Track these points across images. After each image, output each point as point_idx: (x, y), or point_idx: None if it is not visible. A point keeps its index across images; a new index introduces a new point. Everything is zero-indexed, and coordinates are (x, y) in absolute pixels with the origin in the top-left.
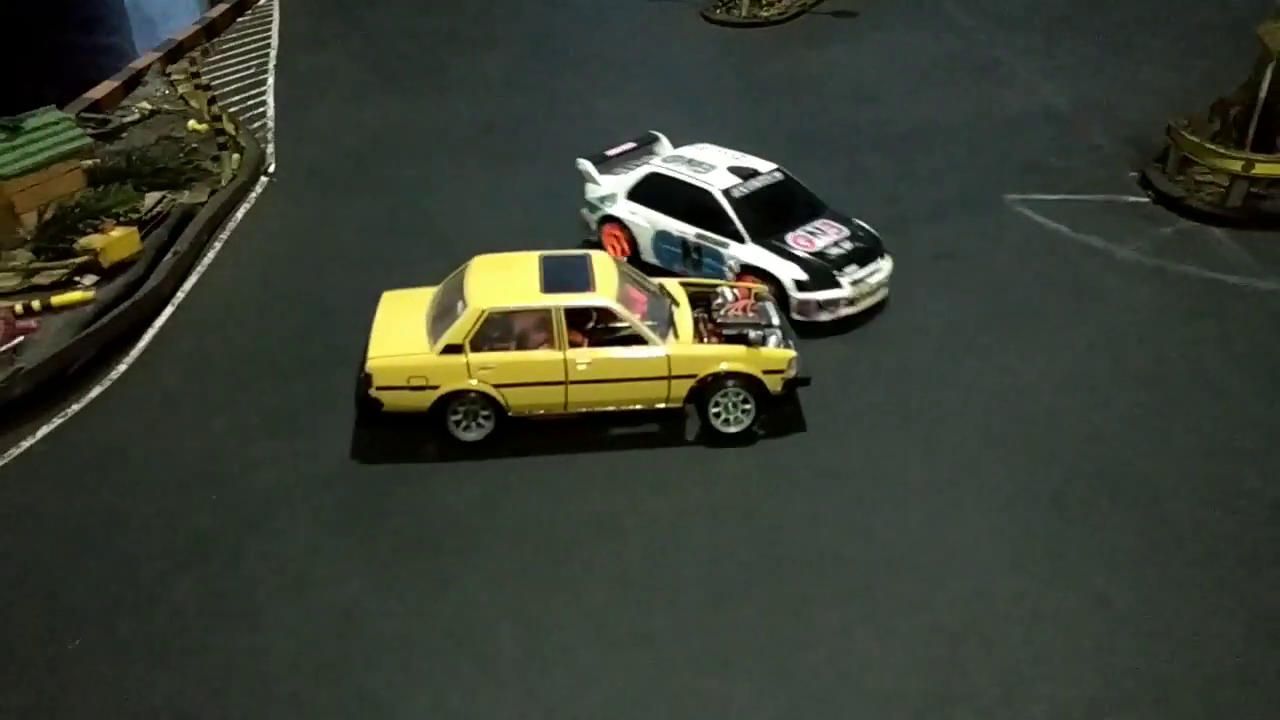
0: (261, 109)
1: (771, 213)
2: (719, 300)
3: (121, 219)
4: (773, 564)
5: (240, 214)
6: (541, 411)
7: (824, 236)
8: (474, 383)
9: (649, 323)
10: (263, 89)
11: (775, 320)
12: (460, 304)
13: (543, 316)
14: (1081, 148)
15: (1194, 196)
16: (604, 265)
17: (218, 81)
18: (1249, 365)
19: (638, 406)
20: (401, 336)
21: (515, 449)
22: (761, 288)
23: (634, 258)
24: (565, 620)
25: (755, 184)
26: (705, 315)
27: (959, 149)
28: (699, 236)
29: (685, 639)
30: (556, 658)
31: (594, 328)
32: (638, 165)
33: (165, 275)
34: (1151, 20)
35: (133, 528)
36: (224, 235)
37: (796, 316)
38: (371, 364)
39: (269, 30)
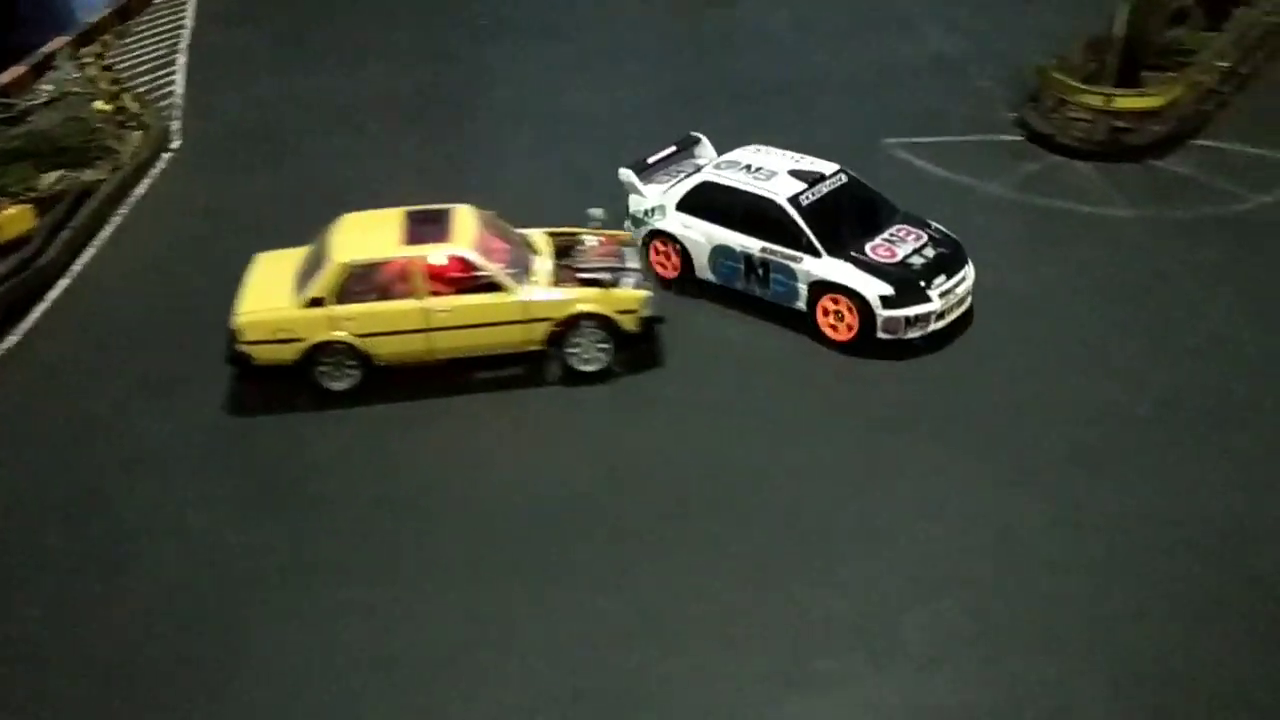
0: (170, 88)
1: (844, 220)
2: (581, 247)
3: (20, 197)
4: (619, 489)
5: (142, 190)
6: (407, 360)
7: (904, 244)
8: (339, 334)
9: (509, 270)
10: (172, 68)
11: (634, 264)
12: (324, 259)
13: (403, 267)
14: (968, 92)
15: (1063, 133)
16: (465, 217)
17: (129, 62)
18: (1105, 287)
19: (500, 351)
20: (269, 293)
21: (387, 396)
22: (627, 235)
23: (686, 275)
24: (423, 554)
25: (823, 189)
26: (569, 262)
27: (849, 98)
28: (765, 251)
29: (539, 567)
30: (411, 590)
31: (458, 277)
32: (680, 171)
33: (59, 250)
34: None
35: (10, 484)
36: (124, 211)
37: (883, 335)
38: (239, 320)
39: (184, 10)
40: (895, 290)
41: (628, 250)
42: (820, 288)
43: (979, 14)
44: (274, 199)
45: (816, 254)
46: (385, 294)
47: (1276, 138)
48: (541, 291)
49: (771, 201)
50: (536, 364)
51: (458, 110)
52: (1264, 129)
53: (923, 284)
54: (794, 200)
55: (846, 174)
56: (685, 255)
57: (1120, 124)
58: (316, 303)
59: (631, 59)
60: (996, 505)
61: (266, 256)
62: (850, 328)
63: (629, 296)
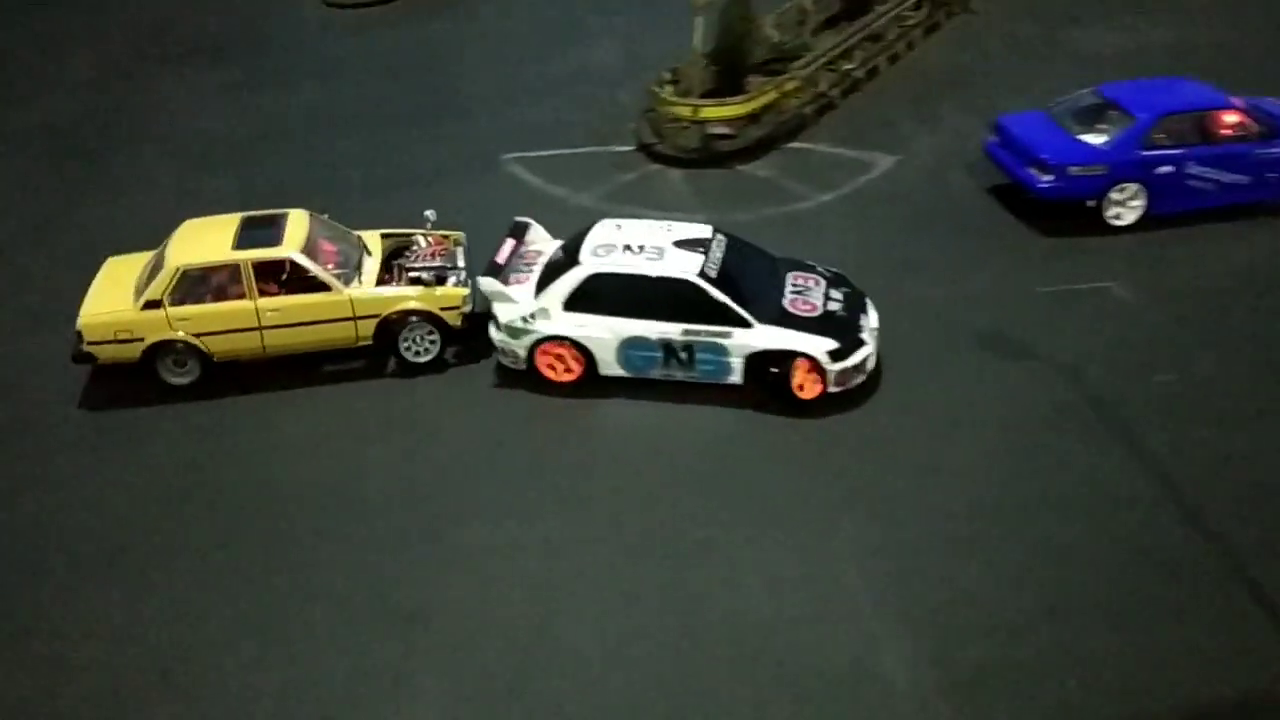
0: None
1: (748, 282)
2: (414, 248)
3: None
4: (445, 473)
5: None
6: (243, 356)
7: (813, 293)
8: (177, 334)
9: (337, 271)
10: None
11: (460, 263)
12: (162, 263)
13: (234, 270)
14: (608, 104)
15: (665, 143)
16: (297, 221)
17: None
18: None
19: (333, 346)
20: (111, 296)
21: (241, 388)
22: (459, 235)
23: (589, 375)
24: (240, 537)
25: (718, 255)
26: (402, 262)
27: (488, 113)
28: (688, 333)
29: (368, 538)
30: (232, 561)
31: (287, 278)
32: (526, 265)
33: None
34: None
35: None
36: None
37: (834, 389)
38: (81, 322)
39: None
40: (840, 342)
41: (459, 250)
42: (760, 358)
43: (652, 28)
44: None
45: (747, 325)
46: (220, 295)
47: (862, 139)
48: (367, 290)
49: (684, 282)
50: (381, 357)
51: (158, 134)
52: (854, 131)
53: (858, 329)
54: (703, 275)
55: (724, 232)
56: (585, 354)
57: (720, 131)
58: (153, 304)
59: (305, 80)
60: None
61: (115, 260)
62: (809, 387)
63: (451, 295)
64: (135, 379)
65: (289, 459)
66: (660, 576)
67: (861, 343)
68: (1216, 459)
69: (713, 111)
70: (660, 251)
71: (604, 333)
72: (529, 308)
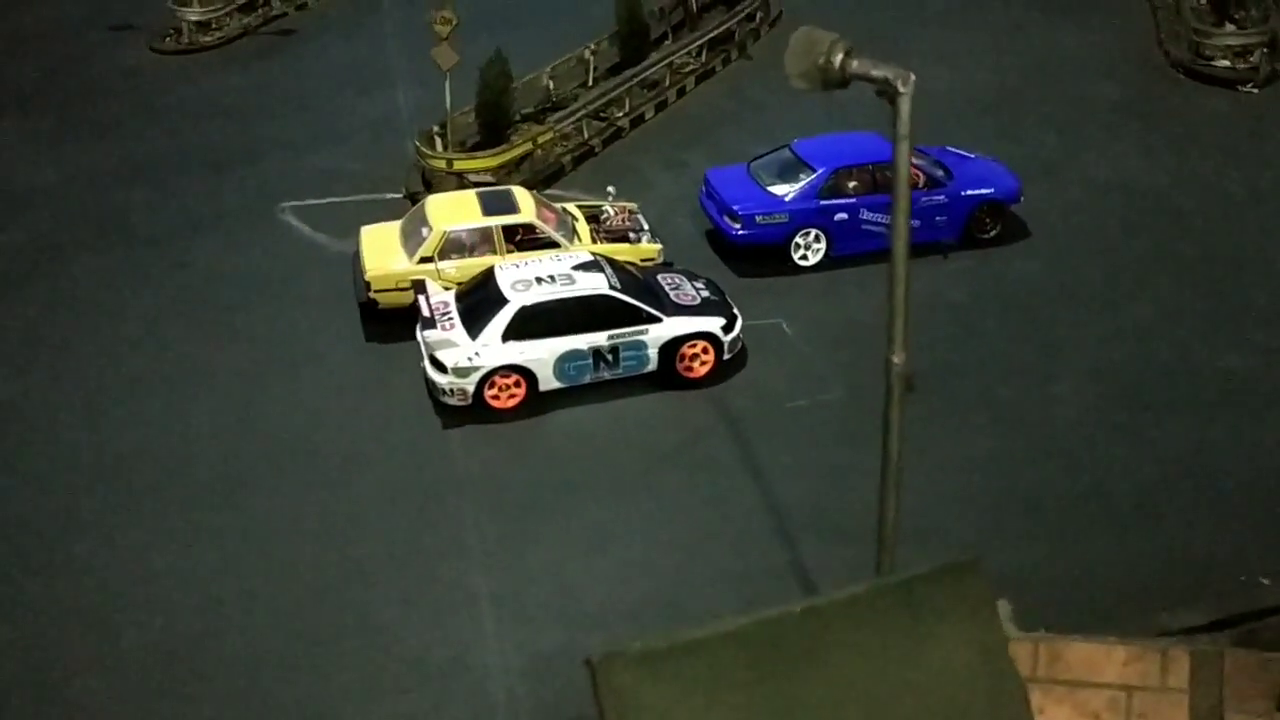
0: None
1: (641, 288)
2: (604, 215)
3: None
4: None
5: None
6: None
7: (685, 286)
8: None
9: (560, 233)
10: None
11: (644, 226)
12: (425, 228)
13: (486, 231)
14: (391, 151)
15: (430, 192)
16: (524, 195)
17: None
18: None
19: None
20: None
21: None
22: (634, 205)
23: (530, 395)
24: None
25: (611, 271)
26: (596, 226)
27: (279, 160)
28: (613, 338)
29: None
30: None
31: (521, 239)
32: (444, 314)
33: None
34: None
35: None
36: None
37: (727, 356)
38: (369, 274)
39: None
40: (725, 319)
41: (639, 216)
42: (671, 345)
43: (459, 76)
44: None
45: (658, 320)
46: (474, 252)
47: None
48: (588, 246)
49: (602, 296)
50: None
51: None
52: (606, 178)
53: (731, 307)
54: (614, 287)
55: (598, 256)
56: (528, 377)
57: (480, 179)
58: (426, 260)
59: (115, 127)
60: None
61: (369, 229)
62: (707, 363)
63: (648, 249)
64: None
65: None
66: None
67: (737, 317)
68: (835, 473)
69: (466, 164)
70: (569, 277)
71: (542, 354)
72: (472, 348)
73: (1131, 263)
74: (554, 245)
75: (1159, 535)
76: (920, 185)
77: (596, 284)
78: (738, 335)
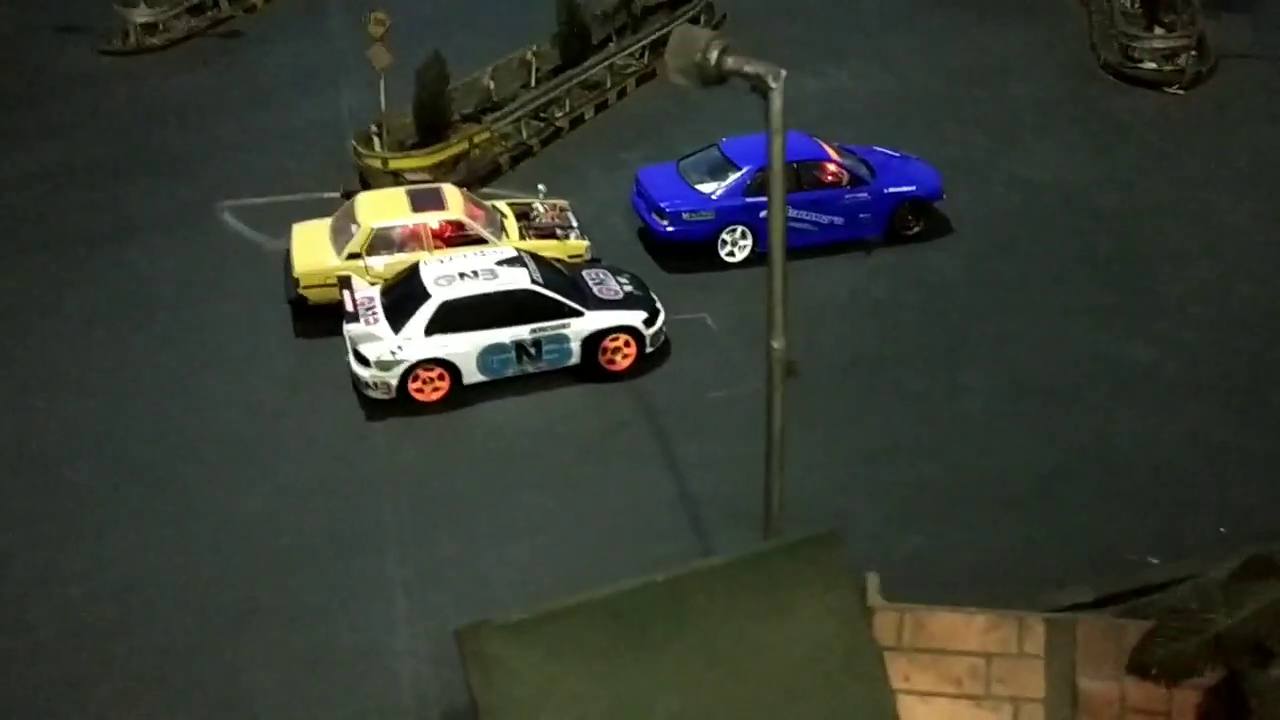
0: None
1: (564, 283)
2: (534, 213)
3: None
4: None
5: None
6: None
7: (609, 282)
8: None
9: (488, 230)
10: None
11: (574, 223)
12: (354, 225)
13: (415, 229)
14: (334, 151)
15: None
16: (453, 193)
17: None
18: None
19: None
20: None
21: None
22: (565, 202)
23: (454, 388)
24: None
25: (534, 266)
26: (525, 223)
27: (222, 160)
28: (535, 331)
29: None
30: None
31: (450, 236)
32: (370, 309)
33: None
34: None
35: None
36: None
37: (650, 350)
38: (298, 270)
39: None
40: (647, 313)
41: (569, 214)
42: (593, 338)
43: (400, 76)
44: None
45: (579, 314)
46: (403, 248)
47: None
48: (515, 243)
49: (524, 290)
50: None
51: None
52: (541, 178)
53: (654, 301)
54: (535, 282)
55: (522, 252)
56: (451, 371)
57: (417, 179)
58: (354, 256)
59: (58, 132)
60: None
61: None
62: (629, 356)
63: (576, 245)
64: None
65: None
66: None
67: (659, 311)
68: (749, 461)
69: (402, 163)
70: (492, 272)
71: (465, 347)
72: (395, 341)
73: (1048, 259)
74: (483, 242)
75: (1057, 519)
76: (844, 183)
77: (519, 279)
78: (660, 329)
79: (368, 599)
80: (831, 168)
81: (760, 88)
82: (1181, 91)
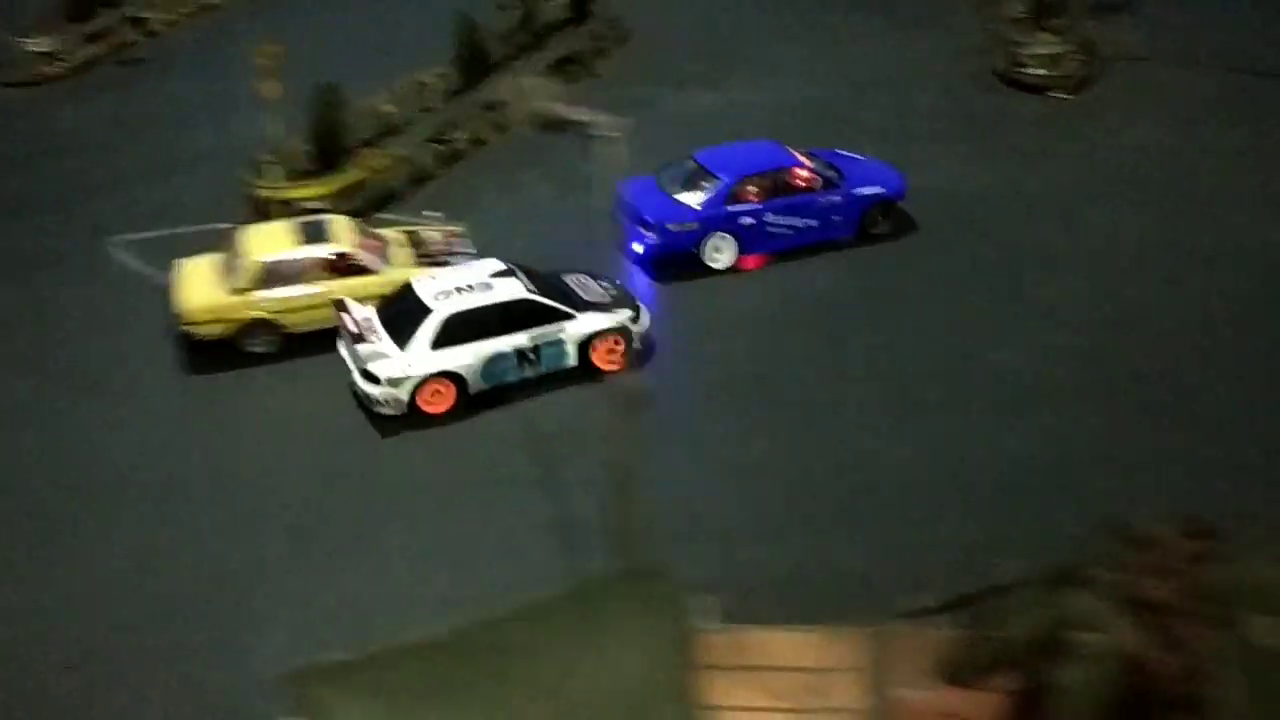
0: None
1: (554, 289)
2: (427, 238)
3: None
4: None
5: None
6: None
7: (590, 285)
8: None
9: (378, 259)
10: None
11: (469, 248)
12: (241, 260)
13: (304, 262)
14: (232, 181)
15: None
16: (341, 223)
17: None
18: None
19: None
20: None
21: None
22: (459, 227)
23: (461, 398)
24: None
25: (524, 276)
26: (418, 249)
27: (118, 194)
28: (534, 338)
29: None
30: None
31: (340, 267)
32: (371, 329)
33: None
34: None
35: None
36: None
37: (637, 348)
38: (183, 307)
39: None
40: (633, 311)
41: (464, 239)
42: (587, 340)
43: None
44: None
45: (571, 317)
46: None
47: (441, 208)
48: (404, 270)
49: (519, 300)
50: None
51: None
52: (440, 201)
53: (636, 301)
54: (531, 290)
55: (508, 263)
56: (457, 381)
57: (312, 207)
58: (240, 291)
59: None
60: None
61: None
62: (620, 353)
63: None
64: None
65: None
66: None
67: (641, 309)
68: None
69: (295, 192)
70: (486, 285)
71: (469, 358)
72: (404, 358)
73: (931, 267)
74: (371, 272)
75: (918, 529)
76: (817, 188)
77: (514, 289)
78: (646, 326)
79: (242, 631)
80: (804, 173)
81: (590, 134)
82: (1067, 96)
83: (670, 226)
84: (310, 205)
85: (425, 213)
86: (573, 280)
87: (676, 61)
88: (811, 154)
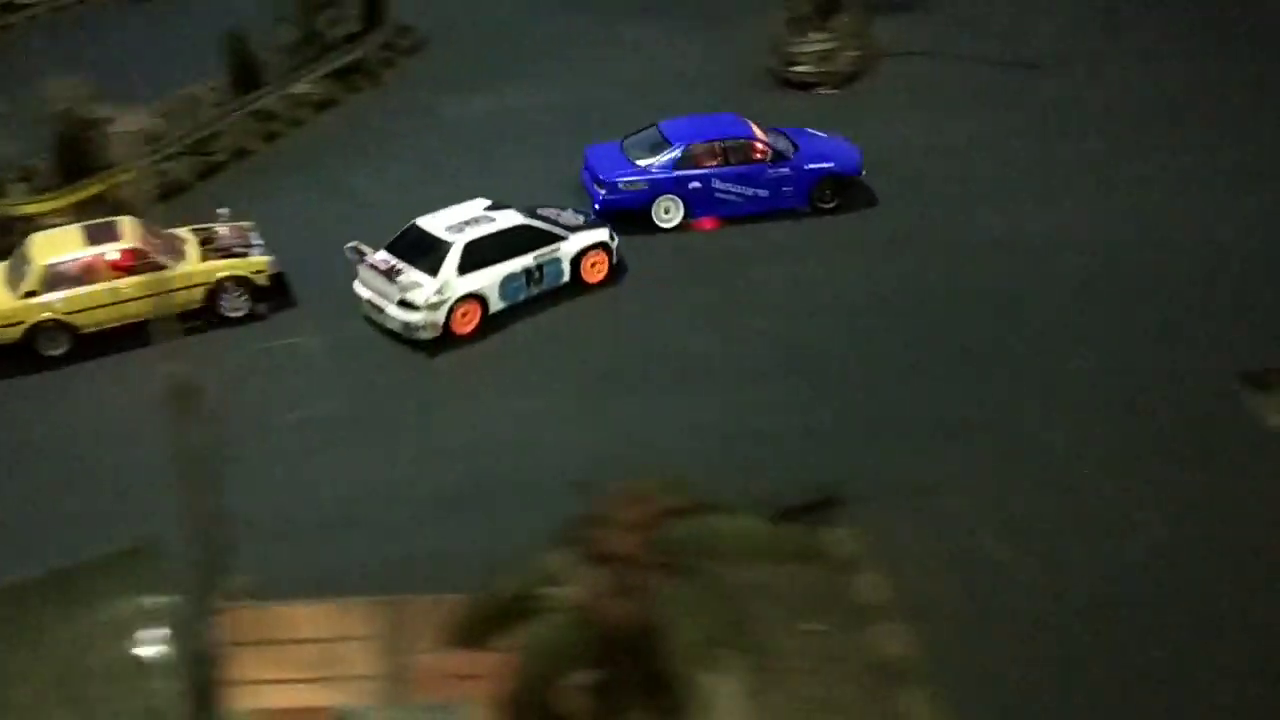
0: None
1: (540, 216)
2: (217, 235)
3: None
4: None
5: None
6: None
7: (565, 213)
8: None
9: (168, 257)
10: None
11: (257, 240)
12: (27, 265)
13: (92, 262)
14: None
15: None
16: (129, 224)
17: None
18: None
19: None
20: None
21: None
22: (248, 223)
23: (485, 317)
24: None
25: (514, 208)
26: (209, 245)
27: None
28: (538, 258)
29: None
30: None
31: (131, 265)
32: (393, 265)
33: None
34: None
35: None
36: None
37: (615, 260)
38: None
39: None
40: (608, 231)
41: (252, 232)
42: (577, 256)
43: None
44: None
45: (564, 238)
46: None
47: (189, 222)
48: (196, 265)
49: (522, 225)
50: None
51: None
52: (189, 214)
53: (605, 224)
54: (528, 215)
55: (484, 199)
56: (481, 302)
57: (55, 222)
58: (30, 294)
59: None
60: None
61: None
62: (604, 267)
63: (257, 261)
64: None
65: None
66: None
67: (612, 230)
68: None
69: (31, 207)
70: (489, 218)
71: (489, 280)
72: (434, 284)
73: (660, 265)
74: (161, 268)
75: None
76: (768, 159)
77: (512, 218)
78: (617, 244)
79: None
80: (759, 145)
81: (113, 131)
82: (834, 91)
83: (621, 185)
84: (53, 221)
85: (217, 210)
86: (548, 212)
87: (462, 69)
88: (772, 130)
